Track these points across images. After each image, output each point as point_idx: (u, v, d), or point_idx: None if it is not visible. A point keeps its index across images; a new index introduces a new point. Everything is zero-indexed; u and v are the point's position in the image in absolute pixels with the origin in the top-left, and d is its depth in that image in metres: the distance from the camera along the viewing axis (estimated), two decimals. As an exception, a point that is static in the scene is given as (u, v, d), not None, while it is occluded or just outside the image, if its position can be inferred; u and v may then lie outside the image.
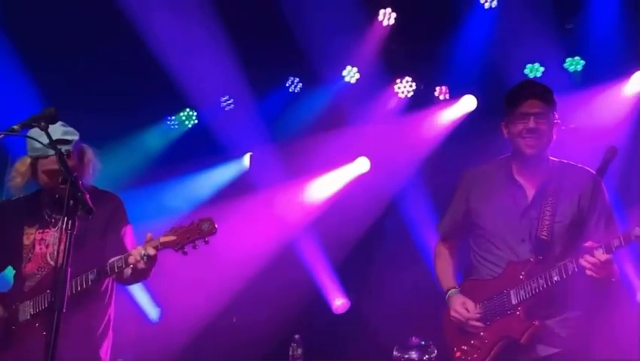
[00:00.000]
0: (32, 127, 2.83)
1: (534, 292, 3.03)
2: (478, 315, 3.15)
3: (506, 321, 3.09)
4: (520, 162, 3.18)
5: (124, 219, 3.38)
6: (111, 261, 3.13)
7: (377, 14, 6.05)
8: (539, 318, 3.04)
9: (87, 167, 3.32)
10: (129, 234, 3.35)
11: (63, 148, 3.13)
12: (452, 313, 3.20)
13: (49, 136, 2.78)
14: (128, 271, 3.15)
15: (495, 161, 3.35)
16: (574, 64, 5.83)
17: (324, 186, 6.59)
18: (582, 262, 2.88)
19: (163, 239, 3.08)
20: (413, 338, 5.18)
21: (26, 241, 3.28)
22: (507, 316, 3.09)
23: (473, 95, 6.06)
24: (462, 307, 3.18)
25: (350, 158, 6.56)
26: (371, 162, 6.52)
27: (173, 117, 6.83)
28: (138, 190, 5.89)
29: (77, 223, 2.91)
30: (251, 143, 6.68)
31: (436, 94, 6.25)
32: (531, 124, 3.07)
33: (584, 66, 5.82)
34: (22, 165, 3.29)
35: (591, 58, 5.78)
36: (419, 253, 5.29)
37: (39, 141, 2.82)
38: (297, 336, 5.13)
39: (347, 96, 6.33)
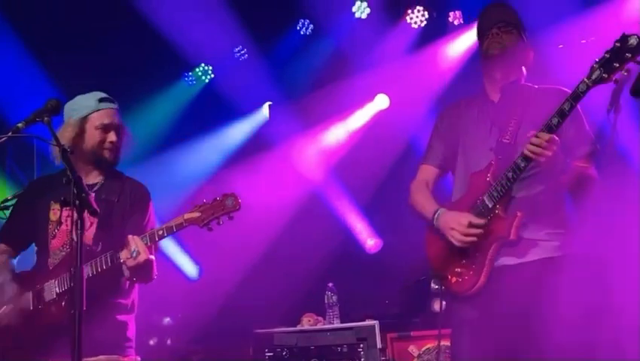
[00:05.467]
0: (36, 122, 2.84)
1: (506, 187, 3.04)
2: (474, 217, 3.07)
3: (489, 226, 3.07)
4: (491, 84, 3.28)
5: (147, 211, 3.35)
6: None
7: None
8: (522, 210, 3.04)
9: (125, 143, 3.34)
10: (149, 227, 3.31)
11: (110, 105, 3.29)
12: (451, 229, 3.10)
13: (52, 131, 2.81)
14: (125, 267, 3.09)
15: (475, 92, 3.46)
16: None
17: (346, 130, 6.59)
18: (527, 145, 2.95)
19: (187, 216, 3.08)
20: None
21: (53, 217, 3.26)
22: (488, 221, 3.07)
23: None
24: (458, 218, 3.11)
25: (369, 97, 6.50)
26: (390, 98, 6.45)
27: (189, 74, 6.81)
28: (160, 154, 5.97)
29: (99, 211, 3.00)
30: (269, 91, 6.66)
31: (450, 19, 6.07)
32: (495, 31, 3.20)
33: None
34: (68, 126, 3.26)
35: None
36: (444, 185, 5.27)
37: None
38: (330, 284, 5.14)
39: (360, 33, 6.21)
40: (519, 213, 3.03)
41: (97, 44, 5.87)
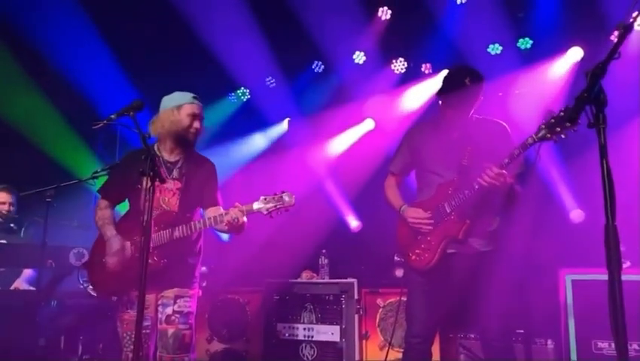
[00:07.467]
0: (123, 115, 2.96)
1: (462, 200, 3.26)
2: (430, 216, 3.34)
3: (445, 225, 3.31)
4: (447, 118, 3.45)
5: (216, 180, 3.58)
6: (213, 215, 3.33)
7: (377, 11, 6.28)
8: (469, 218, 3.28)
9: (201, 128, 3.53)
10: (219, 192, 3.58)
11: (199, 103, 3.46)
12: (411, 220, 3.37)
13: (136, 123, 2.95)
14: (223, 225, 3.32)
15: (429, 118, 3.68)
16: (525, 43, 5.91)
17: (342, 142, 6.75)
18: (482, 175, 3.13)
19: (255, 206, 3.26)
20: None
21: (145, 185, 3.23)
22: (444, 222, 3.31)
23: (449, 69, 6.01)
24: (417, 213, 3.38)
25: (360, 119, 6.73)
26: (375, 122, 6.74)
27: (232, 94, 7.20)
28: (206, 151, 6.10)
29: (181, 183, 3.25)
30: (289, 111, 7.01)
31: (422, 69, 6.36)
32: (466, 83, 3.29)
33: (532, 44, 5.85)
34: (165, 112, 3.39)
35: (538, 38, 5.83)
36: (409, 186, 5.40)
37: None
38: (324, 250, 5.37)
39: (357, 74, 6.52)
40: (468, 221, 3.27)
41: (165, 64, 6.06)
